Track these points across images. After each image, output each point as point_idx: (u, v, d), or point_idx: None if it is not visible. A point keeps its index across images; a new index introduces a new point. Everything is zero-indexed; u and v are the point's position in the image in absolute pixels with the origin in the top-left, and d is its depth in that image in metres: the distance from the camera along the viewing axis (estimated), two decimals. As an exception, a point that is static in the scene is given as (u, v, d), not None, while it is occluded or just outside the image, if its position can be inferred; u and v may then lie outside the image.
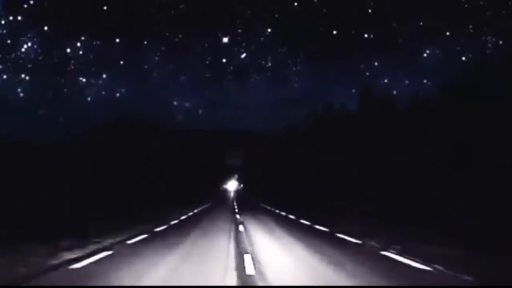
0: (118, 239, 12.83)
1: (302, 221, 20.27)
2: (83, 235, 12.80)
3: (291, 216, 23.88)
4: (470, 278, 7.38)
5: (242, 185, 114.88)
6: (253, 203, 45.62)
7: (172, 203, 36.91)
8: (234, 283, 7.02)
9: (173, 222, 19.93)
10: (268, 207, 35.99)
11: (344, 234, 14.16)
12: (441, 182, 22.20)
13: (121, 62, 65.52)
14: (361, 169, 32.25)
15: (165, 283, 7.04)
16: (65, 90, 64.61)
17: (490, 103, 21.56)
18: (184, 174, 68.37)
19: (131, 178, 45.06)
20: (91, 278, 7.44)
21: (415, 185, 23.98)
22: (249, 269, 8.11)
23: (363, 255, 10.14)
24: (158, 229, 16.26)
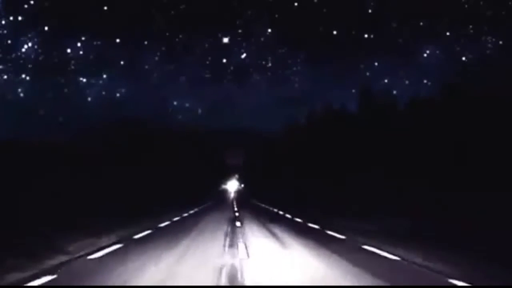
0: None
1: (310, 224, 20.25)
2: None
3: (298, 220, 23.56)
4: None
5: (242, 185, 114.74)
6: (257, 207, 45.49)
7: (165, 205, 36.53)
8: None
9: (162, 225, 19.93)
10: (271, 208, 36.03)
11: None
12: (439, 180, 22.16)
13: (121, 62, 65.51)
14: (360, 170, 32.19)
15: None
16: (65, 90, 64.65)
17: (490, 103, 21.55)
18: (183, 174, 68.32)
19: (130, 178, 44.99)
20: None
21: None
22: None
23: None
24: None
